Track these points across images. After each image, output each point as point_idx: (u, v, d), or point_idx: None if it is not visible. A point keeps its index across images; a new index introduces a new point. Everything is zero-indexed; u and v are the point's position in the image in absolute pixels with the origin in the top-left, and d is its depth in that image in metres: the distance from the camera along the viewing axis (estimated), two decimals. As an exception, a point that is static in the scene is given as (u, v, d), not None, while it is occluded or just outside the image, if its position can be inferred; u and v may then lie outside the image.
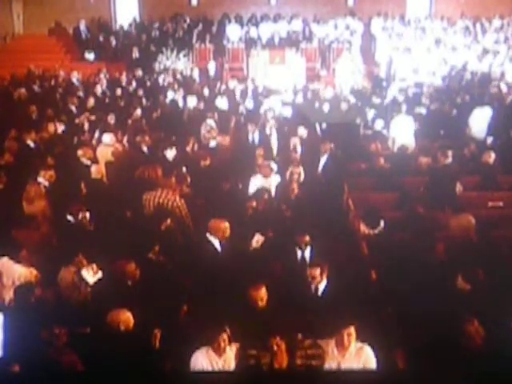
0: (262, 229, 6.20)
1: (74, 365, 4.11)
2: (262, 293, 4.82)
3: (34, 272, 5.42)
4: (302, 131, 9.71)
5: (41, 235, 6.46)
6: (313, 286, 5.24)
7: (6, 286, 5.34)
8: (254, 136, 9.82)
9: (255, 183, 7.65)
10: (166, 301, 4.97)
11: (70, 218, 6.25)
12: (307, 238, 5.81)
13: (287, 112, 11.94)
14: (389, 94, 13.11)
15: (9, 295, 5.21)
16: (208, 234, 5.83)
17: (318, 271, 5.16)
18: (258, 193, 7.06)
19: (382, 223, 6.63)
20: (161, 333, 4.47)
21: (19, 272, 5.38)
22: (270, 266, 5.85)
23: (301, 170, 7.80)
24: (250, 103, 12.96)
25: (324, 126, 11.18)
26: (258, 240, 6.05)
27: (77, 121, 10.69)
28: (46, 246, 6.27)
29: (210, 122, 10.53)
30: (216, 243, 5.82)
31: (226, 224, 5.82)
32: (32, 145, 9.06)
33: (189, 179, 7.21)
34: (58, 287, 5.25)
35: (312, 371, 4.12)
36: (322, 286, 5.24)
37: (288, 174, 7.76)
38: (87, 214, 6.30)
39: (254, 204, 6.73)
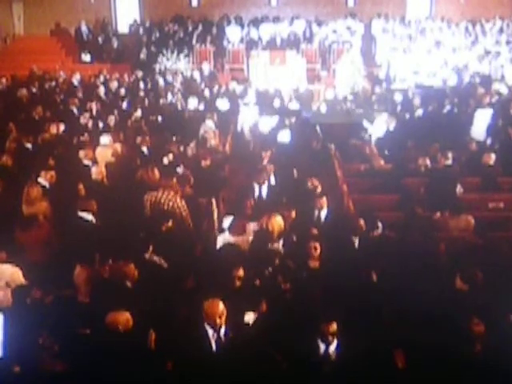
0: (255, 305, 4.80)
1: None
2: None
3: (18, 269, 5.28)
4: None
5: (41, 237, 6.43)
6: None
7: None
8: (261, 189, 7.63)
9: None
10: (165, 302, 4.96)
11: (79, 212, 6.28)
12: (334, 327, 4.12)
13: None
14: (389, 94, 13.11)
15: (5, 296, 5.16)
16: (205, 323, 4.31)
17: None
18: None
19: (380, 224, 6.60)
20: (156, 334, 4.44)
21: (9, 271, 5.24)
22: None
23: (280, 218, 6.01)
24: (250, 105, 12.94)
25: (324, 127, 11.19)
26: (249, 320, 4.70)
27: (77, 122, 10.70)
28: (46, 248, 6.25)
29: (209, 122, 10.52)
30: (210, 332, 4.30)
31: (221, 306, 4.28)
32: (33, 146, 9.05)
33: (192, 180, 7.20)
34: (57, 288, 5.23)
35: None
36: None
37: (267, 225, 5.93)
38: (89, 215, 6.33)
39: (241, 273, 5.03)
